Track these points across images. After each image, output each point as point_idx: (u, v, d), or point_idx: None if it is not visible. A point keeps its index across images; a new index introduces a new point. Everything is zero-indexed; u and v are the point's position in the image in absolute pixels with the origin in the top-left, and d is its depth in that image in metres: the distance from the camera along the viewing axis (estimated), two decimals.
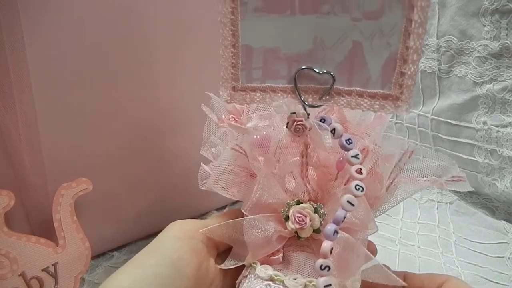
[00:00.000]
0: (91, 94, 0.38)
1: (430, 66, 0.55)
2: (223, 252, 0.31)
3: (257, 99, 0.25)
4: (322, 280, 0.23)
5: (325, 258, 0.23)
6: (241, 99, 0.25)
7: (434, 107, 0.56)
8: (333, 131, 0.25)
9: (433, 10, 0.53)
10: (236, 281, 0.29)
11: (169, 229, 0.29)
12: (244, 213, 0.28)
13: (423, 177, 0.28)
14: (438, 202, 0.56)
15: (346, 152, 0.25)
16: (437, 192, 0.58)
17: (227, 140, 0.31)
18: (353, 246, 0.26)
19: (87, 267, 0.39)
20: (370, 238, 0.30)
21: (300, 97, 0.24)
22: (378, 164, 0.28)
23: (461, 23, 0.50)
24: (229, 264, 0.29)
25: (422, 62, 0.56)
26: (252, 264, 0.28)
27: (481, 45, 0.49)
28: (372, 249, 0.31)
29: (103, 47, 0.37)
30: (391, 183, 0.28)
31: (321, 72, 0.24)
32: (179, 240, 0.28)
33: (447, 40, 0.52)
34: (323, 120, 0.26)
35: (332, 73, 0.24)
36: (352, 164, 0.25)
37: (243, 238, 0.28)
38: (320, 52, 0.24)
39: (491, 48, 0.48)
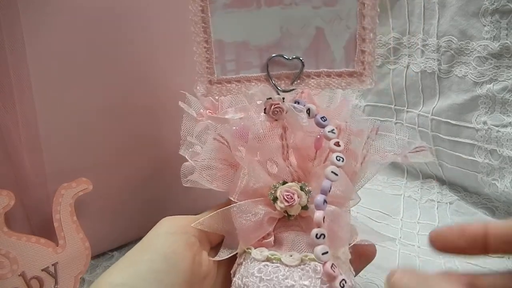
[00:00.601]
0: (91, 94, 0.38)
1: (430, 66, 0.55)
2: (216, 245, 0.31)
3: (233, 90, 0.26)
4: (320, 248, 0.24)
5: (319, 227, 0.24)
6: (218, 92, 0.27)
7: (434, 107, 0.56)
8: (308, 111, 0.27)
9: (433, 10, 0.53)
10: (231, 271, 0.29)
11: (160, 225, 0.29)
12: (233, 200, 0.29)
13: (390, 152, 0.30)
14: (438, 202, 0.56)
15: (322, 129, 0.27)
16: (437, 192, 0.58)
17: (204, 139, 0.32)
18: (339, 217, 0.28)
19: (87, 267, 0.39)
20: (368, 238, 0.30)
21: (274, 83, 0.26)
22: (350, 142, 0.29)
23: (461, 23, 0.50)
24: (223, 255, 0.30)
25: (422, 62, 0.56)
26: (246, 250, 0.28)
27: (481, 45, 0.49)
28: (372, 250, 0.31)
29: (103, 47, 0.37)
30: (364, 159, 0.30)
31: (290, 58, 0.26)
32: (172, 235, 0.28)
33: (447, 40, 0.52)
34: (297, 102, 0.28)
35: (300, 58, 0.26)
36: (329, 139, 0.27)
37: (234, 226, 0.28)
38: (287, 40, 0.26)
39: (491, 48, 0.48)
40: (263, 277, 0.26)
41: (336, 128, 0.28)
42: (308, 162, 0.30)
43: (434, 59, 0.54)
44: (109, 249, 0.48)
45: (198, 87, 0.26)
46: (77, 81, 0.37)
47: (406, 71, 0.59)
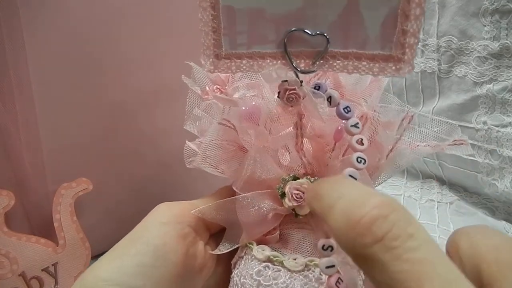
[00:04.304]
0: (91, 94, 0.38)
1: (430, 66, 0.55)
2: (216, 233, 0.29)
3: (244, 67, 0.22)
4: (325, 261, 0.21)
5: (327, 238, 0.21)
6: (225, 68, 0.22)
7: (434, 107, 0.56)
8: (329, 99, 0.23)
9: (433, 10, 0.53)
10: (232, 262, 0.28)
11: (154, 213, 0.27)
12: (236, 190, 0.26)
13: (422, 143, 0.27)
14: (438, 202, 0.56)
15: (344, 121, 0.23)
16: (437, 192, 0.58)
17: (212, 112, 0.28)
18: None
19: (87, 267, 0.39)
20: None
21: (292, 62, 0.22)
22: (377, 132, 0.26)
23: (461, 23, 0.50)
24: (223, 248, 0.27)
25: (422, 62, 0.56)
26: (248, 244, 0.26)
27: (481, 45, 0.49)
28: None
29: (103, 47, 0.37)
30: (391, 150, 0.26)
31: (313, 34, 0.21)
32: (164, 225, 0.26)
33: (447, 40, 0.52)
34: (317, 87, 0.23)
35: (325, 34, 0.21)
36: (352, 134, 0.23)
37: (237, 218, 0.26)
38: (311, 10, 0.21)
39: (491, 48, 0.48)
40: (262, 281, 0.24)
41: (362, 116, 0.25)
42: (325, 153, 0.26)
43: (434, 59, 0.54)
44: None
45: (203, 61, 0.22)
46: (77, 81, 0.37)
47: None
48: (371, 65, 0.21)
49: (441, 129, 0.27)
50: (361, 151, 0.22)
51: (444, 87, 0.55)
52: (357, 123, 0.23)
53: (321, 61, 0.22)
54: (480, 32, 0.49)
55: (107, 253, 0.25)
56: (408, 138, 0.27)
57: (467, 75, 0.51)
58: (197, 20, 0.21)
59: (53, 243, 0.37)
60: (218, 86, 0.29)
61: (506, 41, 0.47)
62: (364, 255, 0.14)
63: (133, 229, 0.26)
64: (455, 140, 0.27)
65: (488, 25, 0.48)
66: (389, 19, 0.20)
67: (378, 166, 0.26)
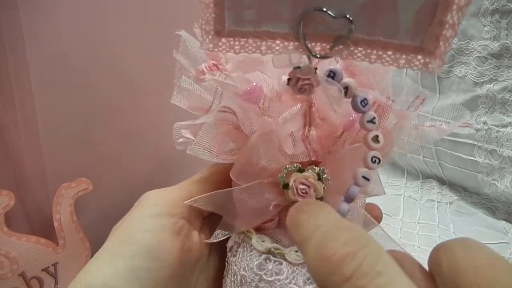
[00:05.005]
0: (91, 94, 0.38)
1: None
2: (208, 215, 0.27)
3: (250, 48, 0.19)
4: None
5: None
6: (227, 47, 0.19)
7: (434, 106, 0.56)
8: (345, 89, 0.20)
9: None
10: (227, 245, 0.26)
11: (143, 204, 0.25)
12: (234, 179, 0.25)
13: (427, 123, 0.25)
14: (438, 202, 0.56)
15: (358, 114, 0.21)
16: (437, 192, 0.58)
17: (206, 87, 0.25)
18: (353, 210, 0.24)
19: None
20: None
21: (307, 46, 0.19)
22: (387, 118, 0.24)
23: (461, 23, 0.50)
24: (219, 235, 0.26)
25: None
26: (246, 232, 0.25)
27: (481, 45, 0.49)
28: (377, 213, 0.28)
29: (103, 47, 0.37)
30: (398, 132, 0.25)
31: (336, 16, 0.18)
32: (156, 220, 0.24)
33: None
34: (332, 74, 0.21)
35: (350, 17, 0.18)
36: (368, 130, 0.20)
37: (234, 207, 0.24)
38: None
39: (491, 48, 0.48)
40: (263, 276, 0.23)
41: (374, 103, 0.23)
42: (331, 139, 0.24)
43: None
44: None
45: (200, 38, 0.19)
46: (77, 81, 0.37)
47: (406, 70, 0.59)
48: (397, 56, 0.18)
49: (451, 114, 0.26)
50: (376, 150, 0.20)
51: (444, 87, 0.55)
52: (374, 117, 0.20)
53: (341, 47, 0.19)
54: (480, 32, 0.49)
55: (96, 256, 0.23)
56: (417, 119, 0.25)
57: (467, 75, 0.51)
58: (195, 18, 0.19)
59: (53, 243, 0.37)
60: (215, 62, 0.25)
61: (506, 41, 0.47)
62: None
63: (122, 224, 0.25)
64: (462, 123, 0.26)
65: (488, 25, 0.48)
66: (427, 7, 0.17)
67: (383, 154, 0.24)
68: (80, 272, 0.22)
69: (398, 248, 0.24)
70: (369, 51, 0.19)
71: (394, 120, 0.24)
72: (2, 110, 0.33)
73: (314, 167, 0.24)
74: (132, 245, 0.23)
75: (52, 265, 0.37)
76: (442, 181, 0.60)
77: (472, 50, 0.50)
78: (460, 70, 0.52)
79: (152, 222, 0.24)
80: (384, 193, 0.26)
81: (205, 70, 0.25)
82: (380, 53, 0.18)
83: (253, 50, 0.19)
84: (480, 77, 0.50)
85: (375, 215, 0.27)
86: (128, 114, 0.41)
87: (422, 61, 0.18)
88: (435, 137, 0.26)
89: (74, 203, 0.38)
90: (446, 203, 0.56)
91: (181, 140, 0.26)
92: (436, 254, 0.16)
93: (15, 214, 0.36)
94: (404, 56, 0.18)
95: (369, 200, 0.27)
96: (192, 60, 0.26)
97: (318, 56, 0.19)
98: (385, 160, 0.24)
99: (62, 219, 0.37)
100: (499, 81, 0.49)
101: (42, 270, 0.37)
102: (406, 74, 0.58)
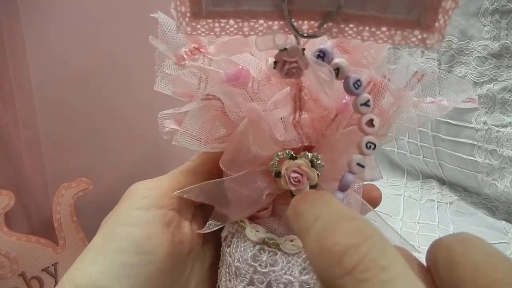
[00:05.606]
0: (91, 94, 0.38)
1: (430, 66, 0.55)
2: (200, 205, 0.26)
3: (231, 29, 0.17)
4: None
5: None
6: (206, 30, 0.17)
7: None
8: (336, 70, 0.19)
9: None
10: (221, 235, 0.26)
11: (131, 197, 0.25)
12: (223, 169, 0.24)
13: (427, 99, 0.24)
14: (438, 202, 0.56)
15: (350, 97, 0.20)
16: (437, 192, 0.58)
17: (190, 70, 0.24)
18: (349, 195, 0.23)
19: None
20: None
21: (292, 24, 0.17)
22: (384, 98, 0.23)
23: (461, 23, 0.50)
24: (212, 226, 0.25)
25: (422, 62, 0.56)
26: (239, 221, 0.24)
27: (481, 45, 0.49)
28: (376, 194, 0.27)
29: (103, 47, 0.37)
30: (395, 111, 0.24)
31: None
32: (145, 213, 0.23)
33: (447, 40, 0.52)
34: (322, 54, 0.19)
35: None
36: (361, 114, 0.19)
37: (226, 197, 0.24)
38: None
39: (491, 48, 0.48)
40: (258, 268, 0.23)
41: (369, 82, 0.22)
42: (324, 122, 0.23)
43: (434, 59, 0.54)
44: None
45: (177, 22, 0.17)
46: (76, 81, 0.37)
47: (406, 70, 0.59)
48: (392, 32, 0.17)
49: (453, 88, 0.25)
50: (371, 134, 0.19)
51: (444, 87, 0.55)
52: (368, 100, 0.19)
53: (330, 24, 0.17)
54: (480, 32, 0.49)
55: (83, 254, 0.22)
56: (416, 96, 0.24)
57: (467, 75, 0.51)
58: None
59: (53, 243, 0.37)
60: (196, 45, 0.23)
61: (506, 41, 0.47)
62: (334, 286, 0.13)
63: (110, 219, 0.24)
64: (465, 99, 0.24)
65: (488, 25, 0.48)
66: None
67: (381, 134, 0.23)
68: (67, 271, 0.21)
69: (396, 236, 0.23)
70: (361, 28, 0.17)
71: (391, 99, 0.23)
72: (2, 110, 0.33)
73: (307, 153, 0.23)
74: (120, 241, 0.22)
75: (52, 265, 0.37)
76: (442, 181, 0.60)
77: (472, 50, 0.50)
78: (460, 70, 0.52)
79: (140, 215, 0.23)
80: (382, 178, 0.25)
81: (185, 56, 0.23)
82: (373, 29, 0.17)
83: (235, 31, 0.17)
84: (480, 77, 0.50)
85: (374, 196, 0.26)
86: (128, 114, 0.41)
87: (419, 36, 0.17)
88: (435, 115, 0.25)
89: (74, 203, 0.38)
90: (446, 203, 0.56)
91: (167, 129, 0.25)
92: (434, 250, 0.16)
93: (15, 214, 0.36)
94: (399, 32, 0.17)
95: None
96: (172, 45, 0.24)
97: (306, 35, 0.17)
98: (383, 142, 0.24)
99: (62, 219, 0.37)
100: (499, 81, 0.48)
101: (42, 270, 0.37)
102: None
